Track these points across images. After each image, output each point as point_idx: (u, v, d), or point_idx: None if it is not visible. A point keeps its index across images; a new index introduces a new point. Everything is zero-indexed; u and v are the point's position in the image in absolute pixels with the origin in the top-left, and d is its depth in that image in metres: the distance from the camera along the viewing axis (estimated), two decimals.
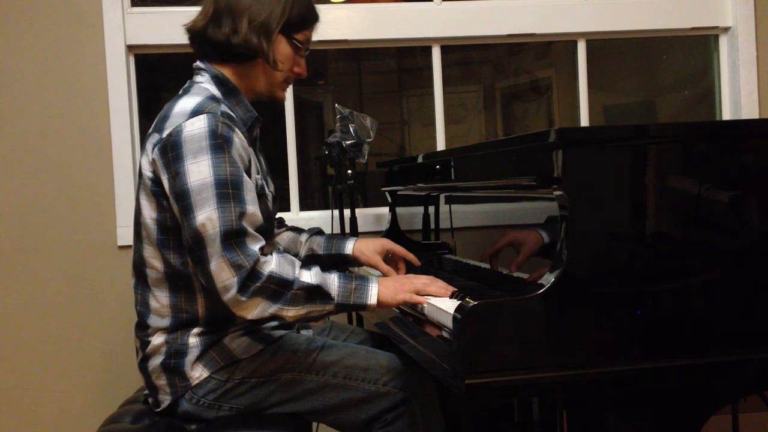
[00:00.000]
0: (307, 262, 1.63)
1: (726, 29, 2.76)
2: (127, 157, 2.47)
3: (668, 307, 1.29)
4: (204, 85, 1.64)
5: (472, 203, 1.89)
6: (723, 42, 2.78)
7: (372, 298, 1.52)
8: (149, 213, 1.59)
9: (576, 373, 1.24)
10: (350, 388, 1.62)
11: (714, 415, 1.37)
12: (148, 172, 1.58)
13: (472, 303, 1.22)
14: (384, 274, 1.79)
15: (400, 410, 1.62)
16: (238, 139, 1.53)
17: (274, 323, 1.70)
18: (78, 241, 2.46)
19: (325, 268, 1.55)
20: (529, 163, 1.39)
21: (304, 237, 1.96)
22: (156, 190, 1.56)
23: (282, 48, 1.66)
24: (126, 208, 2.46)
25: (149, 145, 1.57)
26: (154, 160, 1.54)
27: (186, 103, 1.54)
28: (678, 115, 3.05)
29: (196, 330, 1.61)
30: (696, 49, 2.92)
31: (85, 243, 2.46)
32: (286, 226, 2.03)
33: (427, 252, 2.14)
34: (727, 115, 2.79)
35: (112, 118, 2.46)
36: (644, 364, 1.27)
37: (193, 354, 1.60)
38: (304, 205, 2.70)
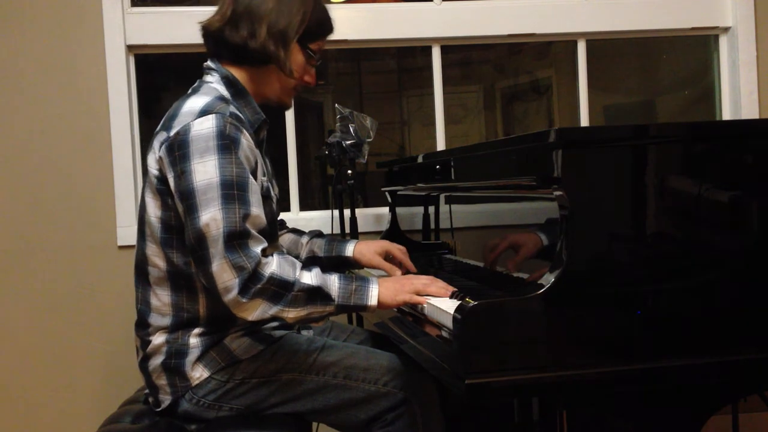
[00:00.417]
0: (308, 264, 1.63)
1: (726, 29, 2.76)
2: (127, 157, 2.47)
3: (668, 307, 1.29)
4: (213, 85, 1.65)
5: (472, 203, 1.89)
6: (723, 42, 2.78)
7: (372, 299, 1.53)
8: (154, 211, 1.59)
9: (576, 373, 1.24)
10: (350, 388, 1.62)
11: (714, 415, 1.37)
12: (154, 170, 1.58)
13: (472, 303, 1.22)
14: (387, 273, 1.79)
15: (400, 410, 1.62)
16: (246, 140, 1.53)
17: (275, 324, 1.70)
18: (78, 241, 2.46)
19: (326, 270, 1.55)
20: (529, 163, 1.39)
21: (305, 239, 1.96)
22: (161, 189, 1.57)
23: (296, 56, 1.67)
24: (126, 208, 2.46)
25: (156, 143, 1.57)
26: (160, 157, 1.55)
27: (195, 103, 1.55)
28: (678, 115, 3.05)
29: (196, 330, 1.61)
30: (696, 49, 2.92)
31: (85, 243, 2.46)
32: (288, 228, 2.04)
33: (427, 252, 2.14)
34: (727, 115, 2.79)
35: (112, 118, 2.46)
36: (644, 364, 1.27)
37: (193, 354, 1.60)
38: (304, 205, 2.70)
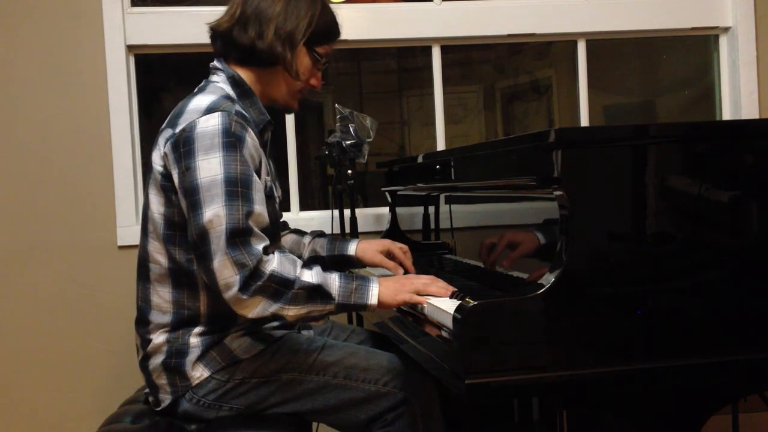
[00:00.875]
0: (310, 263, 1.63)
1: (726, 29, 2.76)
2: (127, 157, 2.47)
3: (668, 307, 1.29)
4: (219, 84, 1.66)
5: (472, 203, 1.89)
6: (723, 42, 2.78)
7: (372, 299, 1.53)
8: (157, 207, 1.60)
9: (576, 373, 1.25)
10: (350, 388, 1.63)
11: (714, 415, 1.37)
12: (158, 167, 1.58)
13: (472, 303, 1.22)
14: (390, 271, 1.80)
15: (400, 410, 1.62)
16: (251, 139, 1.54)
17: (275, 323, 1.70)
18: (78, 241, 2.46)
19: (327, 268, 1.55)
20: (529, 163, 1.39)
21: (307, 239, 1.97)
22: (166, 185, 1.57)
23: (303, 59, 1.69)
24: (126, 208, 2.46)
25: (161, 140, 1.58)
26: (165, 154, 1.55)
27: (201, 101, 1.56)
28: (678, 115, 3.05)
29: (197, 330, 1.61)
30: (696, 49, 2.92)
31: (85, 243, 2.46)
32: (289, 228, 2.04)
33: (427, 252, 2.14)
34: (727, 115, 2.79)
35: (112, 118, 2.46)
36: (644, 364, 1.27)
37: (194, 354, 1.60)
38: (304, 205, 2.70)
